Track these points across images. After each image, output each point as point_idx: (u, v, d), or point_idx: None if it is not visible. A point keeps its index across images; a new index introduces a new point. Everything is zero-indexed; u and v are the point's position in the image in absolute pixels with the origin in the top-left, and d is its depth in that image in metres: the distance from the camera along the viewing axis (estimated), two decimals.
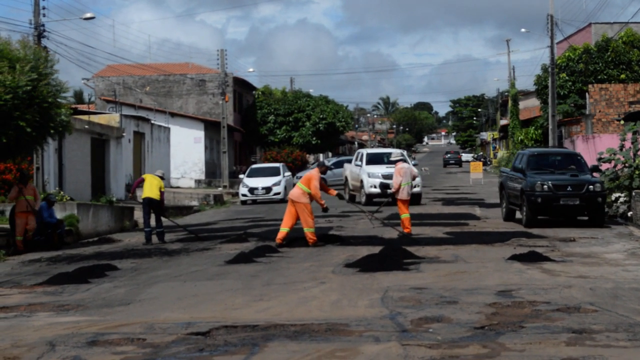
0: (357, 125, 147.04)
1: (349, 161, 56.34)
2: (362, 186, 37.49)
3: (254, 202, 46.94)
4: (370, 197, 36.87)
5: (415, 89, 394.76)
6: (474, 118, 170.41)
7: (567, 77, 61.19)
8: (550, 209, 26.06)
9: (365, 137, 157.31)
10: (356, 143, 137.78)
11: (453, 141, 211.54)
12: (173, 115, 67.72)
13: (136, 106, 67.40)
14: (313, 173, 22.26)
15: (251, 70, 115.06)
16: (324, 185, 22.51)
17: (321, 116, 79.38)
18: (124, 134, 47.43)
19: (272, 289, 14.67)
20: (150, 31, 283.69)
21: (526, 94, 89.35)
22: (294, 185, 26.21)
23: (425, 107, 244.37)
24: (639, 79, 59.15)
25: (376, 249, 19.34)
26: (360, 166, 38.62)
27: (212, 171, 69.07)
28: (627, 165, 29.92)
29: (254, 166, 52.68)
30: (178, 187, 60.59)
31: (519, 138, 71.48)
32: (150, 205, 25.75)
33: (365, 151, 41.66)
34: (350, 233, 24.36)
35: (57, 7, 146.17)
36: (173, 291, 14.86)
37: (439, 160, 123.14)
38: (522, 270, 16.22)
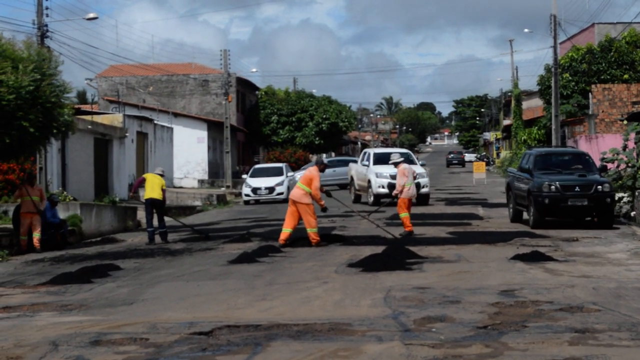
0: (360, 126, 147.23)
1: (343, 162, 56.11)
2: (369, 186, 37.37)
3: (257, 202, 46.96)
4: (378, 197, 36.79)
5: (418, 89, 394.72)
6: (477, 118, 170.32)
7: (570, 77, 61.21)
8: (558, 210, 25.58)
9: (368, 137, 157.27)
10: (359, 143, 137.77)
11: (456, 141, 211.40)
12: (176, 115, 67.75)
13: (139, 106, 67.45)
14: (313, 173, 22.14)
15: (254, 70, 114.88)
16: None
17: (324, 116, 79.40)
18: (127, 134, 47.46)
19: (274, 288, 14.67)
20: (153, 31, 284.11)
21: (529, 94, 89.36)
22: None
23: (428, 107, 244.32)
24: None
25: (379, 249, 19.34)
26: (368, 166, 38.36)
27: (215, 171, 69.08)
28: (630, 165, 29.92)
29: (257, 166, 52.70)
30: (181, 187, 60.62)
31: (522, 138, 71.47)
32: (153, 205, 25.76)
33: (372, 151, 41.46)
34: (353, 233, 24.36)
35: (60, 7, 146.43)
36: (176, 291, 14.87)
37: (442, 160, 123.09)
38: (525, 270, 16.22)
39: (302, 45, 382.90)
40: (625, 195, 28.96)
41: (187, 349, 9.83)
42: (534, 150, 29.51)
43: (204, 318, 11.75)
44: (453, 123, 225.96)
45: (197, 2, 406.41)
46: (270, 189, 46.44)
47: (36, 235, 24.50)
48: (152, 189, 25.71)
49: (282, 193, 45.76)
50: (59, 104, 24.79)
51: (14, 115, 22.80)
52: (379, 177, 36.91)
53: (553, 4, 57.37)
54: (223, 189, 60.04)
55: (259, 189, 46.66)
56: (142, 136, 52.31)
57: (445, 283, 14.66)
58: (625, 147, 31.12)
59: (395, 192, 24.92)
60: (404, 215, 23.94)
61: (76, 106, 49.68)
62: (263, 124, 79.16)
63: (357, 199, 39.94)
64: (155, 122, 57.00)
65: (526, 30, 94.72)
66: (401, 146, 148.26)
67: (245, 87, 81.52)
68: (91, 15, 42.80)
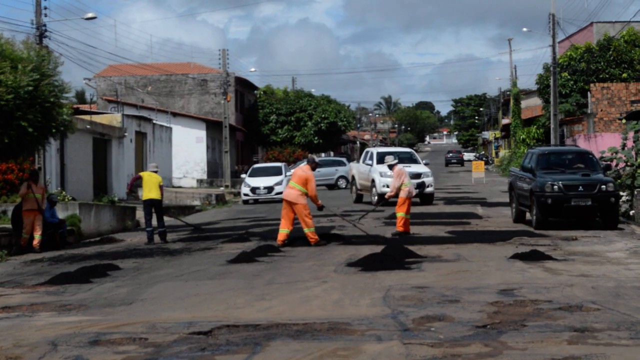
0: (359, 125, 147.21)
1: (328, 162, 55.77)
2: (373, 185, 37.26)
3: (256, 201, 46.94)
4: (382, 196, 36.75)
5: (417, 88, 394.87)
6: (476, 117, 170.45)
7: (569, 76, 61.25)
8: (561, 211, 25.00)
9: (367, 137, 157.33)
10: (358, 142, 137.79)
11: (454, 140, 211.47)
12: (175, 115, 67.73)
13: (138, 106, 67.44)
14: (308, 173, 22.05)
15: (253, 70, 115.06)
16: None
17: (323, 116, 79.42)
18: (125, 134, 47.45)
19: (274, 288, 14.67)
20: (152, 31, 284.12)
21: (528, 93, 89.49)
22: None
23: (427, 106, 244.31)
24: None
25: (378, 248, 19.33)
26: (371, 165, 38.15)
27: (214, 171, 69.07)
28: (629, 164, 29.92)
29: (255, 166, 52.69)
30: (180, 187, 60.59)
31: (521, 137, 71.51)
32: (152, 205, 25.74)
33: (375, 150, 41.15)
34: (352, 232, 24.34)
35: (59, 7, 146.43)
36: (175, 291, 14.86)
37: (441, 160, 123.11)
38: (524, 269, 16.23)
39: (301, 45, 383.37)
40: (624, 194, 28.95)
41: (186, 349, 9.82)
42: (537, 149, 29.05)
43: (203, 318, 11.75)
44: (452, 122, 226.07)
45: (196, 1, 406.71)
46: (269, 189, 46.40)
47: (37, 237, 24.45)
48: (150, 189, 25.67)
49: (281, 192, 45.53)
50: (58, 104, 24.78)
51: (13, 115, 22.79)
52: (383, 176, 36.73)
53: (552, 3, 57.41)
54: (222, 188, 60.04)
55: (258, 188, 46.64)
56: (140, 136, 52.30)
57: (445, 282, 14.66)
58: (624, 146, 31.13)
59: (388, 195, 24.93)
60: (400, 214, 23.91)
61: (75, 106, 49.60)
62: (262, 124, 79.19)
63: (359, 199, 39.76)
64: (154, 121, 56.98)
65: (525, 29, 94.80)
66: (400, 145, 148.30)
67: (244, 86, 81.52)
68: (89, 15, 42.79)
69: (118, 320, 11.84)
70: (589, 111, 56.90)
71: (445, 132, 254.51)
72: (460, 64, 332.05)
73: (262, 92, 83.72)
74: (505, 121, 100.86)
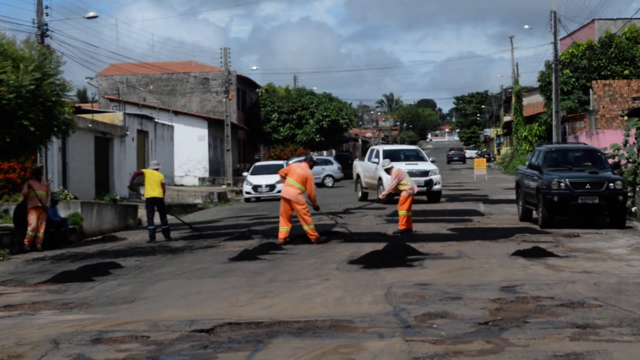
0: (360, 123, 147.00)
1: (324, 161, 55.42)
2: (380, 184, 37.12)
3: (258, 199, 46.97)
4: (390, 194, 36.59)
5: (418, 86, 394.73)
6: (478, 115, 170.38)
7: (570, 74, 61.24)
8: (568, 209, 24.51)
9: (369, 135, 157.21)
10: (360, 140, 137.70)
11: (456, 137, 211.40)
12: (177, 113, 67.70)
13: (140, 105, 67.41)
14: (308, 172, 22.04)
15: (254, 68, 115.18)
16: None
17: (325, 114, 79.40)
18: (127, 133, 47.46)
19: (275, 286, 14.68)
20: (153, 30, 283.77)
21: (530, 91, 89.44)
22: None
23: (428, 104, 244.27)
24: None
25: (380, 246, 19.32)
26: (377, 163, 37.62)
27: (215, 169, 69.06)
28: (631, 160, 29.90)
29: (257, 164, 52.69)
30: (182, 185, 60.62)
31: (523, 134, 71.49)
32: (155, 203, 25.74)
33: (381, 148, 41.00)
34: (354, 229, 24.34)
35: (60, 6, 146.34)
36: (177, 289, 14.87)
37: (443, 157, 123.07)
38: (526, 266, 16.22)
39: (302, 43, 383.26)
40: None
41: (189, 347, 9.83)
42: (544, 146, 28.63)
43: (205, 315, 11.75)
44: (454, 120, 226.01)
45: (197, 0, 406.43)
46: (271, 187, 46.40)
47: (39, 235, 24.48)
48: (153, 187, 25.64)
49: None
50: (60, 103, 24.79)
51: (15, 114, 22.81)
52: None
53: (553, 0, 57.37)
54: (224, 186, 60.05)
55: (260, 186, 46.66)
56: (142, 134, 52.32)
57: (446, 279, 14.66)
58: (626, 143, 31.09)
59: (383, 195, 24.85)
60: (402, 212, 23.90)
61: (77, 105, 49.65)
62: (264, 122, 79.17)
63: (365, 197, 39.57)
64: (156, 120, 56.97)
65: (526, 26, 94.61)
66: (402, 143, 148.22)
67: (245, 85, 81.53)
68: (91, 14, 42.82)
69: (120, 319, 11.84)
70: (590, 108, 56.90)
71: (447, 130, 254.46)
72: (461, 62, 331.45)
73: (263, 91, 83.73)
74: (507, 118, 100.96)
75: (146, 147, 52.90)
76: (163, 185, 26.01)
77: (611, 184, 24.39)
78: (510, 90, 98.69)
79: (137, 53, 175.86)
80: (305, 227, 21.69)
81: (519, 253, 17.97)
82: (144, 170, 26.92)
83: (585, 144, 33.17)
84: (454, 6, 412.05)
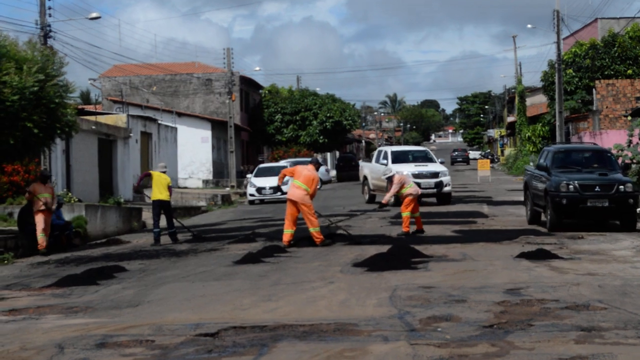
0: (364, 124, 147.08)
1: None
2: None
3: (262, 201, 46.93)
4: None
5: (421, 86, 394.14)
6: (481, 115, 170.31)
7: (573, 73, 61.22)
8: (577, 212, 23.90)
9: (372, 135, 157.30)
10: (363, 141, 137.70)
11: (460, 138, 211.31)
12: (180, 115, 67.78)
13: (143, 106, 67.48)
14: (315, 174, 22.09)
15: (257, 69, 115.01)
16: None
17: (328, 115, 79.43)
18: (131, 134, 47.49)
19: (280, 289, 14.67)
20: (156, 30, 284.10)
21: (533, 91, 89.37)
22: None
23: (432, 104, 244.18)
24: None
25: (384, 248, 19.32)
26: (386, 165, 37.29)
27: (219, 171, 69.10)
28: (635, 161, 29.90)
29: (261, 166, 52.66)
30: (185, 188, 60.64)
31: (527, 135, 71.46)
32: (161, 206, 25.74)
33: (389, 149, 40.75)
34: (358, 232, 24.33)
35: (63, 7, 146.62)
36: (181, 292, 14.86)
37: (447, 158, 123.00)
38: (531, 268, 16.21)
39: (305, 44, 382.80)
40: None
41: (193, 351, 9.82)
42: (553, 147, 28.20)
43: (210, 319, 11.74)
44: (457, 120, 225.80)
45: (199, 0, 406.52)
46: (275, 189, 46.37)
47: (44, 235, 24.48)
48: (160, 190, 25.64)
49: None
50: (63, 105, 24.82)
51: (18, 116, 22.85)
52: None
53: None
54: (227, 188, 60.06)
55: (264, 188, 46.62)
56: (146, 136, 52.34)
57: (451, 282, 14.65)
58: (629, 143, 31.11)
59: (384, 200, 24.78)
60: (406, 214, 23.90)
61: (80, 106, 49.77)
62: (267, 123, 79.20)
63: (372, 199, 39.03)
64: (159, 122, 57.02)
65: (529, 26, 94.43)
66: (406, 144, 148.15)
67: (248, 86, 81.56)
68: (94, 14, 42.86)
69: (125, 322, 11.84)
70: (594, 108, 56.89)
71: (450, 131, 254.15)
72: (464, 62, 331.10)
73: (267, 92, 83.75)
74: (510, 119, 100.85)
75: (150, 149, 52.93)
76: (170, 188, 26.04)
77: (621, 187, 23.74)
78: (513, 90, 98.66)
79: (140, 54, 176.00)
80: (311, 230, 21.69)
81: (523, 255, 17.95)
82: (151, 172, 26.92)
83: (595, 144, 32.61)
84: (456, 6, 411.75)
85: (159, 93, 74.32)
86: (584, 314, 11.34)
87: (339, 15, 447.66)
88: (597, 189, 23.80)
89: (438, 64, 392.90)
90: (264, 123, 79.15)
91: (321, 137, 79.23)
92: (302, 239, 22.06)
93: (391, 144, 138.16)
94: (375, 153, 41.94)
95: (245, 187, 53.13)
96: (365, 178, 40.40)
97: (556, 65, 56.97)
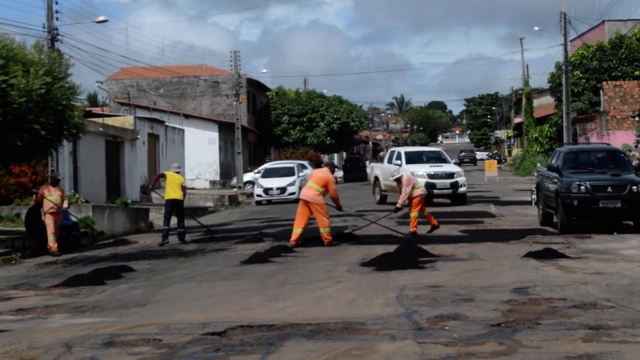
0: (371, 125, 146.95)
1: (301, 166, 53.70)
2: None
3: (269, 202, 46.91)
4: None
5: (428, 88, 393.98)
6: (488, 116, 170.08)
7: (581, 75, 61.14)
8: (588, 213, 23.30)
9: (379, 137, 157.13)
10: (370, 143, 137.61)
11: (467, 139, 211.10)
12: (187, 117, 67.80)
13: (150, 108, 67.52)
14: (328, 175, 22.20)
15: (264, 71, 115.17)
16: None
17: (335, 116, 79.40)
18: (138, 136, 47.50)
19: (287, 288, 14.68)
20: (163, 33, 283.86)
21: (540, 92, 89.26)
22: None
23: (439, 106, 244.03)
24: None
25: (391, 248, 19.32)
26: (400, 166, 36.48)
27: (226, 172, 69.12)
28: None
29: (268, 166, 52.57)
30: (193, 188, 60.59)
31: (534, 136, 71.35)
32: (174, 205, 25.87)
33: (403, 150, 40.52)
34: (365, 232, 24.32)
35: (70, 11, 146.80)
36: (189, 292, 14.88)
37: (454, 159, 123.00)
38: (538, 267, 16.20)
39: (312, 46, 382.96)
40: None
41: (201, 350, 9.83)
42: (565, 147, 27.68)
43: (217, 318, 11.75)
44: (464, 121, 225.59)
45: (206, 4, 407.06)
46: (282, 189, 46.37)
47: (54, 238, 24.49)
48: (174, 189, 25.79)
49: (293, 193, 45.53)
50: (70, 107, 24.86)
51: (26, 119, 22.89)
52: (415, 176, 35.60)
53: (563, 1, 57.33)
54: (235, 189, 60.06)
55: (271, 189, 46.61)
56: (153, 138, 52.35)
57: (458, 281, 14.65)
58: (637, 144, 31.08)
59: (400, 203, 24.71)
60: (414, 214, 23.92)
61: (87, 109, 49.75)
62: (274, 125, 79.19)
63: (383, 200, 38.65)
64: (167, 124, 57.01)
65: (536, 28, 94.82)
66: (413, 145, 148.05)
67: (255, 88, 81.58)
68: (101, 18, 42.91)
69: (132, 322, 11.85)
70: (601, 109, 56.80)
71: (457, 132, 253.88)
72: (471, 64, 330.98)
73: (274, 94, 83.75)
74: (517, 120, 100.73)
75: (157, 151, 52.94)
76: (184, 188, 26.22)
77: (634, 187, 23.14)
78: (520, 91, 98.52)
79: (147, 57, 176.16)
80: (321, 230, 21.74)
81: (530, 254, 17.93)
82: (165, 172, 27.07)
83: (608, 144, 32.02)
84: (463, 8, 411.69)
85: (166, 95, 74.37)
86: (592, 313, 11.33)
87: (346, 19, 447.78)
88: (609, 189, 23.21)
89: (445, 66, 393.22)
90: (271, 125, 79.16)
91: (328, 139, 79.20)
92: (310, 239, 22.09)
93: (398, 145, 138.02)
94: (388, 154, 41.75)
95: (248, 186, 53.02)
96: (376, 179, 39.99)
97: (563, 67, 56.89)
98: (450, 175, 36.55)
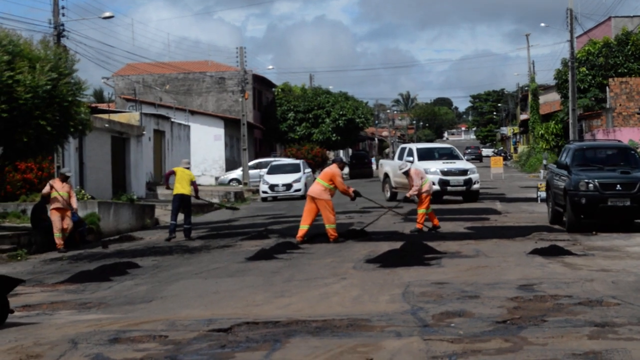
0: (376, 121, 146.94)
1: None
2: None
3: (275, 198, 46.91)
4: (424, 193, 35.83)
5: (434, 84, 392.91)
6: (494, 113, 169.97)
7: (587, 71, 61.02)
8: (596, 211, 22.76)
9: (385, 133, 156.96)
10: (376, 139, 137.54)
11: (473, 136, 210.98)
12: (193, 113, 67.76)
13: (156, 104, 67.47)
14: (334, 170, 22.25)
15: (270, 67, 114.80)
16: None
17: (341, 112, 79.35)
18: (144, 132, 47.48)
19: (293, 285, 14.69)
20: (169, 29, 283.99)
21: (546, 89, 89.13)
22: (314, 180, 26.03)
23: (445, 102, 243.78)
24: None
25: (397, 245, 19.30)
26: (412, 162, 35.13)
27: (232, 168, 69.06)
28: None
29: (274, 163, 52.57)
30: (199, 185, 60.58)
31: (540, 132, 71.29)
32: (182, 200, 25.91)
33: (414, 146, 40.22)
34: (371, 229, 24.31)
35: (76, 6, 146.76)
36: (194, 288, 14.89)
37: None
38: (544, 264, 16.19)
39: (318, 42, 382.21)
40: None
41: (206, 346, 9.83)
42: (574, 144, 27.14)
43: (223, 315, 11.75)
44: (470, 118, 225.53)
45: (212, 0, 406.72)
46: (288, 186, 46.39)
47: (64, 235, 24.49)
48: (182, 185, 25.89)
49: (299, 190, 45.59)
50: (76, 103, 24.88)
51: (32, 115, 22.90)
52: (427, 173, 34.88)
53: None
54: (240, 186, 60.05)
55: (277, 185, 46.62)
56: (159, 134, 52.35)
57: (464, 278, 14.64)
58: None
59: (411, 193, 24.58)
60: (422, 211, 23.89)
61: (93, 105, 49.80)
62: (280, 121, 79.16)
63: (393, 197, 38.27)
64: (172, 120, 56.99)
65: (542, 24, 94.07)
66: (419, 141, 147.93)
67: (261, 84, 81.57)
68: (107, 14, 42.94)
69: (138, 318, 11.86)
70: (607, 106, 56.71)
71: (463, 128, 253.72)
72: (477, 60, 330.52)
73: (279, 90, 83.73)
74: (523, 117, 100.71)
75: (163, 147, 52.94)
76: (194, 183, 26.34)
77: None
78: (526, 88, 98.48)
79: (153, 53, 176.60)
80: (327, 226, 21.76)
81: (536, 251, 17.93)
82: (175, 169, 27.16)
83: (619, 140, 31.44)
84: (469, 4, 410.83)
85: (172, 91, 74.39)
86: (597, 310, 11.32)
87: (351, 14, 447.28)
88: (618, 187, 22.64)
89: (451, 63, 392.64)
90: (276, 121, 79.14)
91: (334, 135, 79.18)
92: (316, 235, 22.09)
93: (404, 142, 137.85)
94: (398, 150, 41.61)
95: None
96: (386, 175, 39.73)
97: (569, 64, 56.79)
98: (464, 172, 36.40)
